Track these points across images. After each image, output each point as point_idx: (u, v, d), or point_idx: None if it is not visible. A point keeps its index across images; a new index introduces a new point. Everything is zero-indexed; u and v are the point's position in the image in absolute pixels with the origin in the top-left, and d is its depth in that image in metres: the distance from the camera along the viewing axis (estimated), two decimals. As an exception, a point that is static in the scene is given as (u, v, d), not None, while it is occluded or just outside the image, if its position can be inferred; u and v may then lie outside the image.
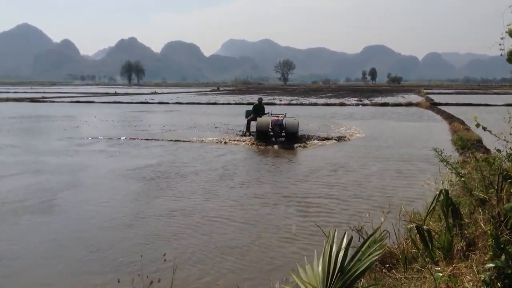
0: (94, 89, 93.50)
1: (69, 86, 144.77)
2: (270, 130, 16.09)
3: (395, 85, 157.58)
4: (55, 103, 44.35)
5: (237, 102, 44.83)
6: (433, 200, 4.18)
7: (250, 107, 19.66)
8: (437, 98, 47.76)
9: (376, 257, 2.25)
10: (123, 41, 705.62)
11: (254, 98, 51.86)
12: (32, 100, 47.55)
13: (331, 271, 2.24)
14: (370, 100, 46.98)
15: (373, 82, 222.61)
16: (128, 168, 11.46)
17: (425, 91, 76.47)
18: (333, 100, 47.47)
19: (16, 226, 7.03)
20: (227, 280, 4.88)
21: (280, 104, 41.35)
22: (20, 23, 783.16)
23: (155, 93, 71.87)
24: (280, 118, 16.37)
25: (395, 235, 4.60)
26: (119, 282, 3.65)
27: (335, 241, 2.39)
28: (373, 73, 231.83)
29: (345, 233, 2.44)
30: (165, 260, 4.55)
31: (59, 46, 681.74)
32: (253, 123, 17.75)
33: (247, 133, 17.89)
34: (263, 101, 19.94)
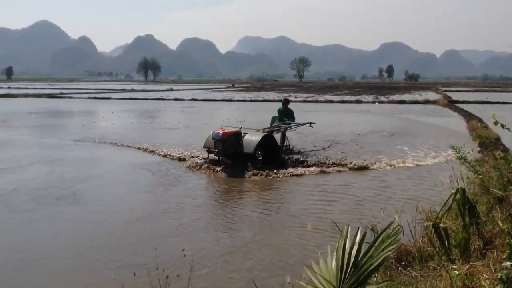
0: (111, 86, 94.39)
1: (86, 82, 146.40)
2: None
3: (412, 83, 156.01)
4: (73, 99, 44.93)
5: (252, 99, 44.82)
6: (449, 198, 4.14)
7: (278, 112, 14.39)
8: (455, 96, 47.10)
9: (390, 253, 2.24)
10: (140, 38, 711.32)
11: (269, 95, 51.98)
12: (51, 96, 48.21)
13: (344, 266, 2.23)
14: (386, 98, 46.55)
15: (390, 80, 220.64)
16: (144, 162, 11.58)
17: (442, 88, 75.51)
18: (349, 97, 47.15)
19: (37, 215, 7.16)
20: (240, 274, 4.88)
21: (295, 101, 41.25)
22: (39, 20, 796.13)
23: (171, 89, 72.32)
24: (225, 132, 10.75)
25: (411, 233, 4.56)
26: (134, 275, 3.69)
27: (348, 236, 2.39)
28: (389, 71, 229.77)
29: (358, 228, 2.44)
30: (184, 256, 4.57)
31: (76, 43, 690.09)
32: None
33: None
34: (289, 103, 14.63)
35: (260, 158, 11.14)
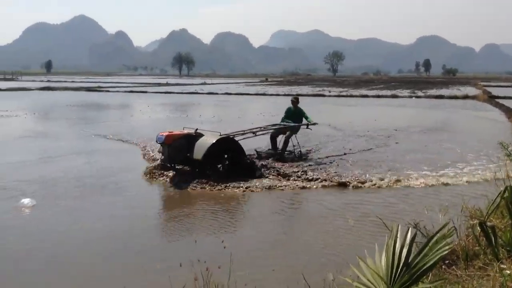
0: (147, 80, 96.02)
1: (123, 76, 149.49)
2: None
3: (450, 77, 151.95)
4: (110, 92, 45.94)
5: (286, 93, 44.65)
6: (498, 197, 4.00)
7: (287, 113, 12.34)
8: (495, 91, 45.57)
9: (446, 253, 2.19)
10: (174, 32, 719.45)
11: (302, 90, 51.68)
12: (89, 89, 49.45)
13: (395, 265, 2.19)
14: (423, 92, 45.47)
15: (427, 74, 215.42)
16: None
17: (482, 83, 73.17)
18: (384, 92, 46.33)
19: (84, 203, 7.41)
20: (280, 269, 4.87)
21: (329, 96, 40.90)
22: (77, 15, 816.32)
23: (204, 83, 72.94)
24: (170, 134, 9.04)
25: (456, 231, 4.45)
26: (181, 266, 3.75)
27: (398, 235, 2.34)
28: (426, 65, 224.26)
29: (409, 228, 2.39)
30: (224, 247, 4.60)
31: (113, 37, 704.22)
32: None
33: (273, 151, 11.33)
34: (299, 102, 12.34)
35: (220, 165, 9.15)
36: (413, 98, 39.27)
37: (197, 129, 9.43)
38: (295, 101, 12.14)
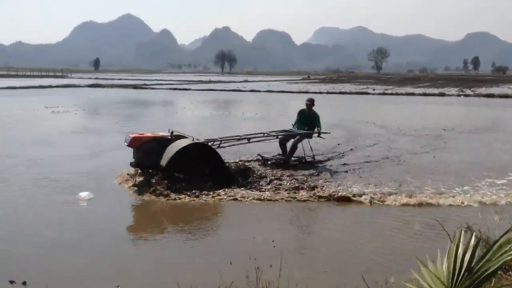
0: (190, 77, 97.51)
1: (167, 74, 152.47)
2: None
3: (500, 75, 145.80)
4: (155, 89, 46.96)
5: (329, 91, 44.21)
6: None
7: (299, 116, 10.72)
8: (551, 90, 43.39)
9: (509, 257, 2.10)
10: (217, 30, 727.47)
11: (345, 87, 51.04)
12: (135, 86, 50.72)
13: (457, 270, 2.13)
14: (472, 91, 43.84)
15: (476, 72, 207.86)
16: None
17: (536, 81, 69.79)
18: (431, 90, 45.04)
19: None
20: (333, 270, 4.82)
21: (374, 94, 40.17)
22: (124, 14, 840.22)
23: (246, 81, 73.30)
24: (137, 136, 8.26)
25: None
26: (231, 263, 3.78)
27: (460, 240, 2.27)
28: (475, 62, 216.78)
29: (473, 233, 2.32)
30: (274, 247, 4.60)
31: (158, 36, 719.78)
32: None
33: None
34: (314, 105, 10.59)
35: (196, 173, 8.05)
36: (462, 96, 37.98)
37: (172, 131, 8.52)
38: (310, 103, 10.51)
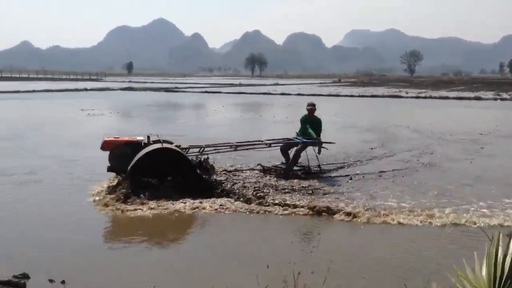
0: (220, 80, 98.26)
1: (198, 77, 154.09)
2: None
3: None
4: (187, 93, 47.53)
5: (360, 94, 43.74)
6: None
7: (302, 123, 9.90)
8: None
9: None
10: (247, 34, 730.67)
11: (377, 91, 50.35)
12: (167, 90, 51.45)
13: (498, 276, 2.08)
14: (509, 95, 42.53)
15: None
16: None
17: None
18: (466, 94, 43.96)
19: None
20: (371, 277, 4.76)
21: (407, 97, 39.50)
22: (156, 18, 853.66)
23: (277, 84, 73.31)
24: (110, 140, 8.24)
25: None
26: (268, 267, 3.78)
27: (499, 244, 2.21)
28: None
29: (511, 236, 2.25)
30: (311, 252, 4.58)
31: (190, 39, 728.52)
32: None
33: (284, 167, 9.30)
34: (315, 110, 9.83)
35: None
36: (498, 100, 36.90)
37: (149, 136, 8.16)
38: (313, 108, 9.71)
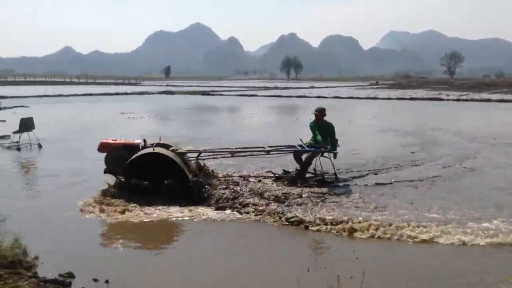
0: (256, 83, 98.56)
1: (234, 80, 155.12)
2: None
3: None
4: (223, 96, 47.96)
5: (398, 97, 42.93)
6: None
7: (312, 129, 9.27)
8: None
9: None
10: (283, 37, 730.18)
11: (416, 93, 49.27)
12: (203, 93, 52.08)
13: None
14: (557, 97, 40.76)
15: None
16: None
17: None
18: (510, 96, 42.40)
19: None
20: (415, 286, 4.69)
21: (448, 100, 38.48)
22: (193, 23, 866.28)
23: (313, 87, 72.91)
24: (106, 142, 8.40)
25: None
26: (308, 271, 3.79)
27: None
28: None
29: None
30: (357, 258, 4.55)
31: (226, 43, 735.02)
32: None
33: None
34: (325, 115, 9.31)
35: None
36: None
37: (144, 139, 8.33)
38: (319, 114, 9.16)
